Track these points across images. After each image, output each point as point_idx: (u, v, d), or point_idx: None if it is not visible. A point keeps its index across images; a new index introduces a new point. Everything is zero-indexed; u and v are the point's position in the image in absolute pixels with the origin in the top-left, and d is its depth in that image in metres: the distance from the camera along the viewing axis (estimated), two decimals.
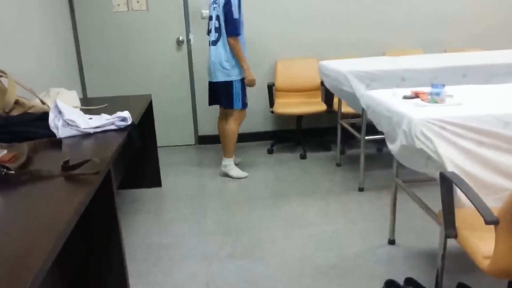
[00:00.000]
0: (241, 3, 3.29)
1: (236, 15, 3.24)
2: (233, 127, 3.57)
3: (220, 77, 3.41)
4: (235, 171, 3.65)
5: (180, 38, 4.32)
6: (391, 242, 2.54)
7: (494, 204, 1.58)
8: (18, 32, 2.97)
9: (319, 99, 4.41)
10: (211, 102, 3.61)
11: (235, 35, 3.27)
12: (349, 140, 4.45)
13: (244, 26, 3.41)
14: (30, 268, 0.93)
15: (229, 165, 3.66)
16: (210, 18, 3.43)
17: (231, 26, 3.25)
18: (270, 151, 4.29)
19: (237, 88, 3.43)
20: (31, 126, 2.00)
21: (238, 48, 3.30)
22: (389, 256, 2.41)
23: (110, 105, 2.79)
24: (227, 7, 3.24)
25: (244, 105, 3.52)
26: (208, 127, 4.57)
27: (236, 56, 3.33)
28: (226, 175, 3.69)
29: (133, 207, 3.20)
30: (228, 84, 3.41)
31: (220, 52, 3.36)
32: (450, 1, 4.48)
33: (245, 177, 3.63)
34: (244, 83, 3.45)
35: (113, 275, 1.94)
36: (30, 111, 2.18)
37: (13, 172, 1.49)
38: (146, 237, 2.74)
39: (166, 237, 2.73)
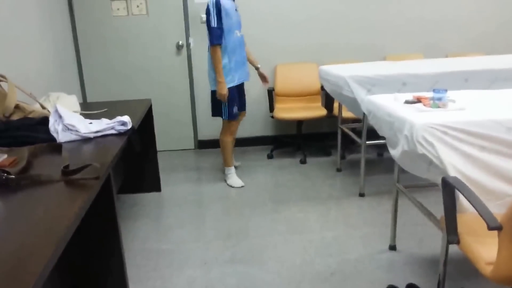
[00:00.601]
0: (222, 11, 3.13)
1: (213, 24, 3.12)
2: (222, 137, 3.52)
3: (211, 85, 3.37)
4: (231, 180, 3.61)
5: (180, 42, 4.32)
6: (392, 247, 2.53)
7: (497, 210, 1.57)
8: (17, 35, 2.97)
9: (319, 104, 4.41)
10: None
11: (212, 44, 3.16)
12: (349, 145, 4.44)
13: (240, 30, 3.33)
14: (31, 273, 0.92)
15: (229, 173, 3.65)
16: None
17: (209, 35, 3.17)
18: (270, 156, 4.28)
19: None
20: (31, 130, 1.99)
21: (215, 58, 3.17)
22: (390, 262, 2.40)
23: (110, 109, 2.78)
24: (207, 15, 3.17)
25: (232, 116, 3.38)
26: (208, 132, 4.57)
27: (213, 65, 3.21)
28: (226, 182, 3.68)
29: (132, 212, 3.19)
30: (216, 93, 3.31)
31: (208, 60, 3.32)
32: (450, 6, 4.49)
33: (240, 187, 3.55)
34: (232, 94, 3.31)
35: (113, 279, 1.93)
36: (30, 115, 2.17)
37: (13, 176, 1.48)
38: (145, 242, 2.73)
39: (165, 242, 2.72)
